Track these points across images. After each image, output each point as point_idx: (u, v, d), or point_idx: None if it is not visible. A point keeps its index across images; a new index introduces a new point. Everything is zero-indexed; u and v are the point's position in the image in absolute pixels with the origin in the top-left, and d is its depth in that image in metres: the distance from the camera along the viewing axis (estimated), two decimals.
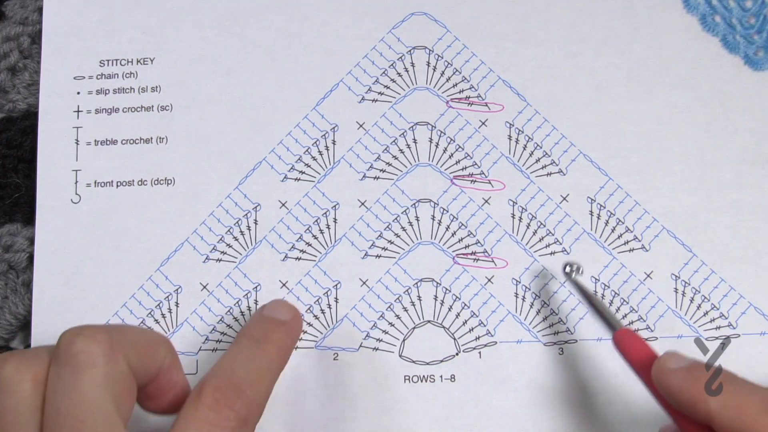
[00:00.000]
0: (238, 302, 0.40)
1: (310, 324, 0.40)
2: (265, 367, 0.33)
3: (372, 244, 0.40)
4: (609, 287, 0.39)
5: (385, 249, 0.40)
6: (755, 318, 0.39)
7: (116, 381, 0.29)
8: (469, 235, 0.40)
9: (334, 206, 0.41)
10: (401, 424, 0.38)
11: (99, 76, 0.42)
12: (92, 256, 0.40)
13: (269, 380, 0.33)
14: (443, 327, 0.39)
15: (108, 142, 0.41)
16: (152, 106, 0.42)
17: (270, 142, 0.41)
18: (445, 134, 0.41)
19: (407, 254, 0.40)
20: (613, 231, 0.40)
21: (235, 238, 0.40)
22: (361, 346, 0.39)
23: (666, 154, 0.40)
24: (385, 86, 0.41)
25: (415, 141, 0.41)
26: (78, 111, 0.42)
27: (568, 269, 0.38)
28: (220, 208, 0.41)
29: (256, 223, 0.41)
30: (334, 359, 0.39)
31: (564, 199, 0.40)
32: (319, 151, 0.41)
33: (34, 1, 0.43)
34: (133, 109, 0.42)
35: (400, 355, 0.39)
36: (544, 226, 0.40)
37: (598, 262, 0.40)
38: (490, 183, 0.41)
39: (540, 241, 0.40)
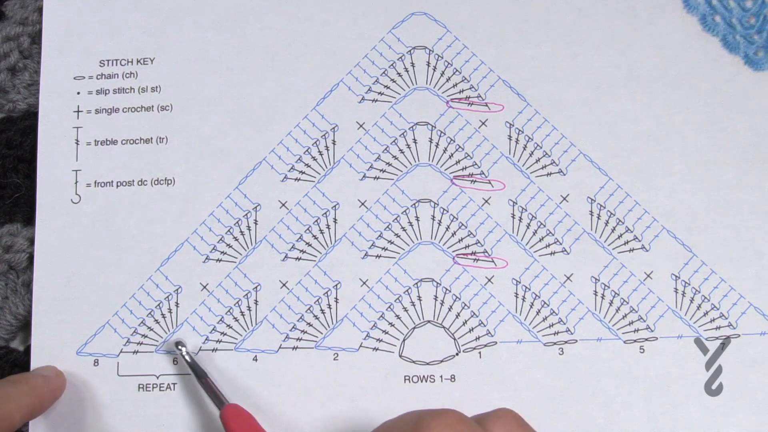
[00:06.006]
0: (238, 302, 0.40)
1: (310, 324, 0.40)
2: (14, 396, 0.37)
3: (372, 244, 0.40)
4: (609, 287, 0.39)
5: (385, 249, 0.40)
6: (755, 318, 0.39)
7: None
8: (469, 235, 0.40)
9: (334, 206, 0.41)
10: None
11: (99, 76, 0.42)
12: (92, 256, 0.40)
13: (14, 408, 0.36)
14: (443, 327, 0.39)
15: (108, 142, 0.41)
16: (152, 106, 0.42)
17: (270, 142, 0.41)
18: (445, 134, 0.41)
19: (407, 254, 0.40)
20: (613, 231, 0.40)
21: (235, 238, 0.40)
22: (361, 346, 0.39)
23: (666, 154, 0.40)
24: (385, 86, 0.41)
25: (415, 141, 0.41)
26: (78, 111, 0.42)
27: (180, 348, 0.39)
28: (220, 208, 0.41)
29: (256, 223, 0.41)
30: (334, 359, 0.39)
31: (564, 199, 0.40)
32: (319, 151, 0.41)
33: (34, 1, 0.43)
34: (133, 109, 0.42)
35: (400, 355, 0.39)
36: (544, 226, 0.40)
37: (598, 262, 0.40)
38: (490, 183, 0.41)
39: (540, 241, 0.40)
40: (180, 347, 0.39)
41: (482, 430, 0.29)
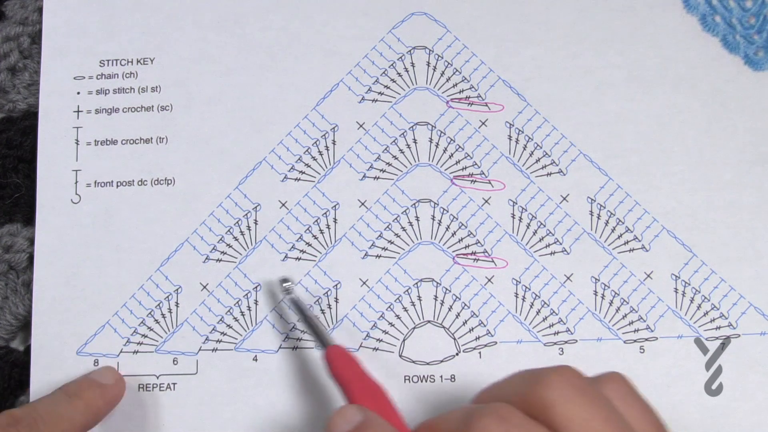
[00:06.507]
0: (238, 302, 0.40)
1: None
2: (67, 416, 0.35)
3: (372, 244, 0.40)
4: (609, 287, 0.39)
5: (385, 249, 0.40)
6: (755, 318, 0.39)
7: None
8: (469, 235, 0.40)
9: (334, 206, 0.41)
10: None
11: (99, 76, 0.42)
12: (92, 256, 0.40)
13: (68, 428, 0.35)
14: (443, 327, 0.39)
15: (108, 142, 0.41)
16: (152, 106, 0.42)
17: (270, 142, 0.41)
18: (445, 134, 0.41)
19: (407, 254, 0.40)
20: (613, 231, 0.40)
21: (235, 238, 0.40)
22: (361, 346, 0.39)
23: (666, 154, 0.40)
24: (385, 86, 0.41)
25: (415, 141, 0.41)
26: (78, 111, 0.42)
27: (286, 285, 0.38)
28: (220, 208, 0.41)
29: (256, 223, 0.41)
30: None
31: (564, 199, 0.40)
32: (319, 151, 0.41)
33: (34, 1, 0.43)
34: (133, 109, 0.42)
35: (400, 355, 0.39)
36: (544, 226, 0.40)
37: (598, 262, 0.40)
38: (490, 183, 0.41)
39: (540, 241, 0.40)
40: (287, 284, 0.38)
41: (535, 424, 0.27)
